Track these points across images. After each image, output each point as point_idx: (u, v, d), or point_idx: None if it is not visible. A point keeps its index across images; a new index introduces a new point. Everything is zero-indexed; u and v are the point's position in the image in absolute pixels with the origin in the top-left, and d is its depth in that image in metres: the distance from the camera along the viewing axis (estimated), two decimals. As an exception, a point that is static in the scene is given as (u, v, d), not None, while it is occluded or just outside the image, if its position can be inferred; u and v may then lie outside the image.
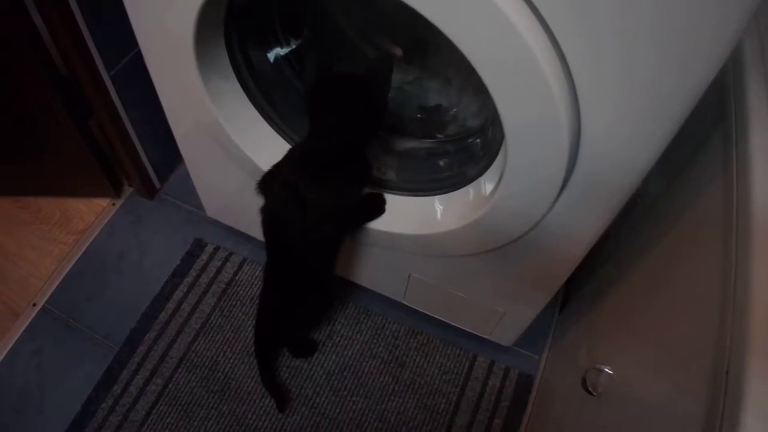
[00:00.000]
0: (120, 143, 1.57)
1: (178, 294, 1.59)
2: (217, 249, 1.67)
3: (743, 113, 0.80)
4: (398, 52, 1.14)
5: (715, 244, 0.77)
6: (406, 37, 1.15)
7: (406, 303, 1.48)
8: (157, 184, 1.79)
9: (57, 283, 1.63)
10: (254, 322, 1.42)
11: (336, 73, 0.99)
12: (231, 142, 1.16)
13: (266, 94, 1.17)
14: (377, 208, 1.17)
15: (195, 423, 1.41)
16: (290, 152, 1.11)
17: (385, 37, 1.17)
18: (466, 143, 1.18)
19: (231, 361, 1.49)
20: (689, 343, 0.76)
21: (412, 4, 0.72)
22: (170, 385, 1.45)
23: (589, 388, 0.98)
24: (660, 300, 0.94)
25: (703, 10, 0.60)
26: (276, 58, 1.20)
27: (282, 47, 1.20)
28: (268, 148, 1.16)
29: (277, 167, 1.11)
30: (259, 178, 1.14)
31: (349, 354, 1.51)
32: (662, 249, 1.01)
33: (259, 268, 1.63)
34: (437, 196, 1.13)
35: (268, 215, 1.12)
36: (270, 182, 1.12)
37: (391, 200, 1.17)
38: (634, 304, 1.06)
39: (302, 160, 1.08)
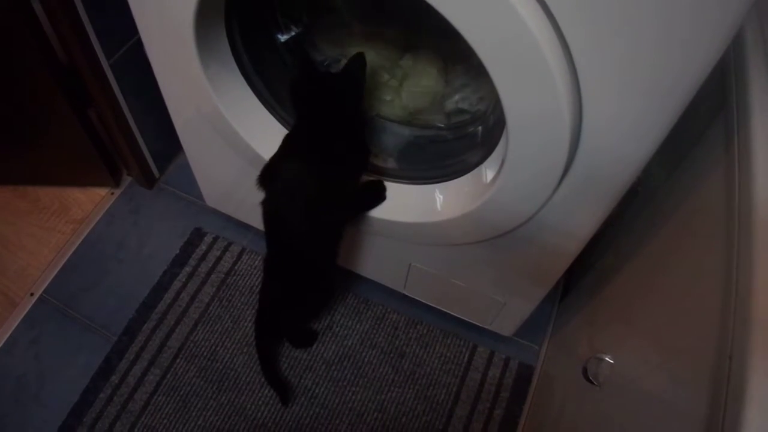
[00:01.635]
0: (119, 132, 1.57)
1: (176, 284, 1.59)
2: (216, 238, 1.66)
3: (744, 100, 0.80)
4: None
5: (717, 232, 0.77)
6: (407, 22, 1.15)
7: (406, 293, 1.48)
8: (157, 174, 1.79)
9: (55, 272, 1.63)
10: (254, 313, 1.42)
11: (315, 71, 1.08)
12: (231, 129, 1.16)
13: (267, 82, 1.17)
14: (378, 195, 1.16)
15: (193, 413, 1.41)
16: (285, 141, 1.11)
17: (385, 21, 1.17)
18: (466, 131, 1.17)
19: (230, 351, 1.49)
20: (691, 331, 0.76)
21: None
22: (168, 375, 1.45)
23: (590, 378, 0.98)
24: (661, 289, 0.94)
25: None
26: (277, 45, 1.19)
27: (282, 34, 1.19)
28: (269, 135, 1.16)
29: (276, 159, 1.11)
30: (259, 166, 1.13)
31: (349, 344, 1.51)
32: (663, 238, 1.01)
33: (259, 258, 1.62)
34: (437, 185, 1.12)
35: (269, 207, 1.12)
36: (270, 174, 1.12)
37: (392, 188, 1.17)
38: (635, 293, 1.06)
39: (299, 147, 1.09)
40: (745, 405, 0.55)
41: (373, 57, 1.17)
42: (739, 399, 0.56)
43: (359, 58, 1.04)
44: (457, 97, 1.16)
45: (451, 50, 1.15)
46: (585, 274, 1.41)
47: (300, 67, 1.07)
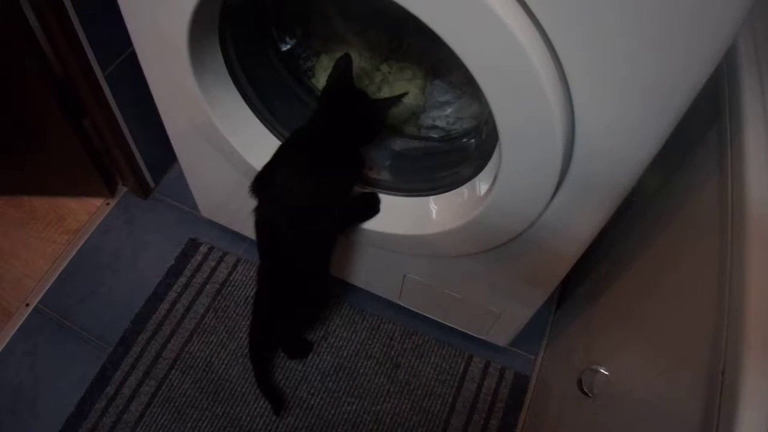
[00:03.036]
0: (114, 143, 1.57)
1: (172, 294, 1.58)
2: (211, 249, 1.66)
3: (737, 110, 0.80)
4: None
5: (711, 242, 0.77)
6: (395, 30, 1.16)
7: (401, 303, 1.48)
8: (152, 184, 1.79)
9: (50, 282, 1.62)
10: (249, 323, 1.41)
11: (355, 87, 1.09)
12: (225, 141, 1.16)
13: (260, 94, 1.17)
14: (371, 207, 1.16)
15: (188, 424, 1.40)
16: (281, 149, 1.11)
17: (373, 27, 1.17)
18: (460, 143, 1.17)
19: (225, 362, 1.48)
20: (685, 342, 0.76)
21: (406, 6, 0.72)
22: (164, 386, 1.45)
23: (585, 389, 0.97)
24: (656, 298, 0.94)
25: (702, 5, 0.60)
26: (270, 57, 1.19)
27: (276, 46, 1.19)
28: (262, 147, 1.16)
29: (269, 167, 1.11)
30: (253, 177, 1.13)
31: (344, 355, 1.50)
32: (658, 248, 1.01)
33: (254, 269, 1.62)
34: (432, 197, 1.12)
35: (261, 215, 1.12)
36: (263, 183, 1.11)
37: (386, 200, 1.17)
38: (630, 303, 1.06)
39: (294, 156, 1.09)
40: (740, 410, 0.55)
41: (354, 58, 1.18)
42: (734, 405, 0.56)
43: (400, 97, 1.06)
44: (451, 109, 1.16)
45: (434, 64, 1.16)
46: (580, 284, 1.41)
47: (341, 74, 1.07)
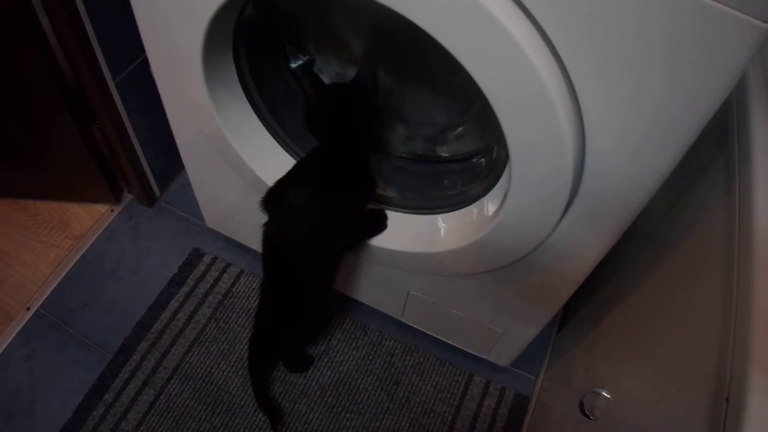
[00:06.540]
0: (122, 150, 1.57)
1: (173, 303, 1.58)
2: (214, 259, 1.66)
3: (746, 138, 0.81)
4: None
5: (717, 268, 0.77)
6: (413, 55, 1.16)
7: (403, 320, 1.47)
8: (157, 192, 1.79)
9: (52, 287, 1.62)
10: (249, 335, 1.41)
11: (326, 87, 1.07)
12: (233, 152, 1.16)
13: (271, 107, 1.18)
14: (379, 224, 1.17)
15: (186, 435, 1.40)
16: (295, 167, 1.12)
17: (391, 54, 1.18)
18: (470, 162, 1.18)
19: (225, 373, 1.48)
20: (690, 367, 0.76)
21: (421, 24, 0.72)
22: (162, 396, 1.44)
23: (587, 412, 0.97)
24: (660, 322, 0.94)
25: (715, 34, 0.60)
26: (282, 72, 1.20)
27: (289, 61, 1.20)
28: (271, 159, 1.16)
29: (281, 183, 1.11)
30: (259, 189, 1.13)
31: (345, 370, 1.50)
32: (663, 272, 1.01)
33: (257, 280, 1.62)
34: (440, 215, 1.13)
35: (271, 230, 1.12)
36: (274, 198, 1.12)
37: (394, 217, 1.17)
38: (634, 326, 1.06)
39: (307, 174, 1.09)
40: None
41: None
42: (738, 427, 0.56)
43: (368, 67, 1.04)
44: (461, 128, 1.17)
45: (456, 82, 1.16)
46: (583, 305, 1.40)
47: (312, 87, 1.07)
